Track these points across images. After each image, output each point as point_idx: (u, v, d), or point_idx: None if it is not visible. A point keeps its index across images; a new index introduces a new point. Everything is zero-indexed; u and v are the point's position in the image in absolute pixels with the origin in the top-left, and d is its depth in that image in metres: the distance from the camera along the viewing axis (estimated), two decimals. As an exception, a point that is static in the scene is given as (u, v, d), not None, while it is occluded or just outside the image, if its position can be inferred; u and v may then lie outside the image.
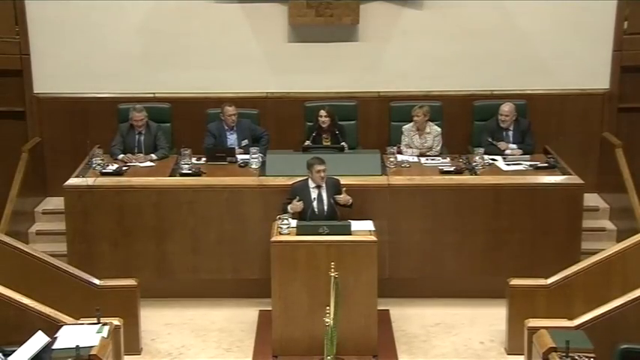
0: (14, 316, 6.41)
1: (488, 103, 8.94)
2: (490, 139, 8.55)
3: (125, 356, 6.66)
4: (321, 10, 8.90)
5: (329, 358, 6.27)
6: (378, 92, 9.22)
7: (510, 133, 8.63)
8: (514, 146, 8.56)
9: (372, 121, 9.14)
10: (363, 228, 7.19)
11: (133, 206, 7.80)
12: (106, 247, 7.85)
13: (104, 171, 8.06)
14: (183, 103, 9.10)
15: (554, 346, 5.98)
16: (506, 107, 8.60)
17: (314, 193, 7.54)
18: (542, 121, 9.02)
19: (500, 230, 7.83)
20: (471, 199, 7.81)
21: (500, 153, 8.46)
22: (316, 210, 7.51)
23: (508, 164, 8.22)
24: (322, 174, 7.48)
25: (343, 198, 7.51)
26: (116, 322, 6.43)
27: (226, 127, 8.61)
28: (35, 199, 9.07)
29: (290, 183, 7.68)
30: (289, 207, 7.47)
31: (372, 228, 7.21)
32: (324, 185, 7.55)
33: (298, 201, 7.46)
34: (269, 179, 7.90)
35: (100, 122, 9.03)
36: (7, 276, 6.81)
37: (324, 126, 8.53)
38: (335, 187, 7.57)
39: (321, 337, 6.37)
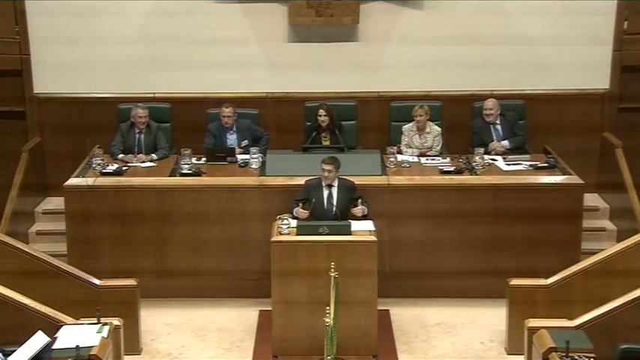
0: (14, 316, 6.42)
1: (488, 104, 8.93)
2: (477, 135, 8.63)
3: (125, 356, 6.66)
4: (321, 10, 8.90)
5: (329, 358, 6.26)
6: (378, 92, 9.22)
7: (499, 127, 8.65)
8: (505, 142, 8.57)
9: (372, 121, 9.13)
10: (363, 228, 7.19)
11: (133, 206, 7.80)
12: (106, 247, 7.85)
13: (104, 171, 8.06)
14: (183, 103, 9.10)
15: (554, 346, 5.98)
16: (489, 102, 8.65)
17: (325, 193, 7.54)
18: (542, 121, 9.03)
19: (500, 230, 7.82)
20: (471, 199, 7.81)
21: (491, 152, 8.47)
22: (324, 209, 7.49)
23: (508, 164, 8.22)
24: (326, 173, 7.47)
25: (360, 210, 7.47)
26: (116, 322, 6.42)
27: (226, 127, 8.61)
28: (35, 199, 9.06)
29: (290, 183, 7.69)
30: (295, 211, 7.46)
31: (372, 228, 7.21)
32: (335, 185, 7.53)
33: (309, 199, 7.44)
34: (269, 179, 7.89)
35: (100, 122, 9.02)
36: (7, 276, 6.81)
37: (323, 125, 8.52)
38: (349, 190, 7.54)
39: (321, 337, 6.36)
